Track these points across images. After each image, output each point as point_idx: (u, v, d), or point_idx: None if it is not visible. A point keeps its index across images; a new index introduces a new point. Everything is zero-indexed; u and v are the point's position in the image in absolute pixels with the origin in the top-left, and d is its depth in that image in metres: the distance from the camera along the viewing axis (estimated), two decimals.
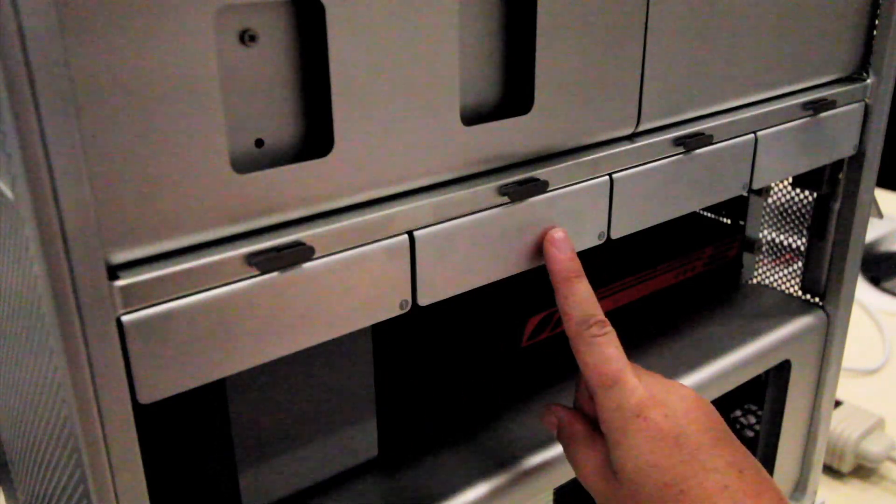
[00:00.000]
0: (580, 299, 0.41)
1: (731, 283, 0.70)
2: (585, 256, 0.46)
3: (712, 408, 0.41)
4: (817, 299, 0.67)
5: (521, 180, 0.41)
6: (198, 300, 0.32)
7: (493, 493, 0.46)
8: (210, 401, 0.42)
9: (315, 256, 0.34)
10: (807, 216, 0.68)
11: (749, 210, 0.69)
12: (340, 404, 0.46)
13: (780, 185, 0.70)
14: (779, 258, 0.71)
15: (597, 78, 0.43)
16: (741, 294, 0.69)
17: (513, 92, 0.41)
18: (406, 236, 0.37)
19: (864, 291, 1.14)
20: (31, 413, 0.38)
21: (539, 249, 0.42)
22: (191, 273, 0.31)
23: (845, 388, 0.94)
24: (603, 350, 0.40)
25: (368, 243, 0.36)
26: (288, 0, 0.33)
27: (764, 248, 0.72)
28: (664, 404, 0.39)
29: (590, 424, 0.43)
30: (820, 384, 0.67)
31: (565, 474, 0.50)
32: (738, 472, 0.38)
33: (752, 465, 0.39)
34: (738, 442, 0.40)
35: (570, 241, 0.41)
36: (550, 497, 0.50)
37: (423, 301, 0.39)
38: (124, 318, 0.30)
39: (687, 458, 0.38)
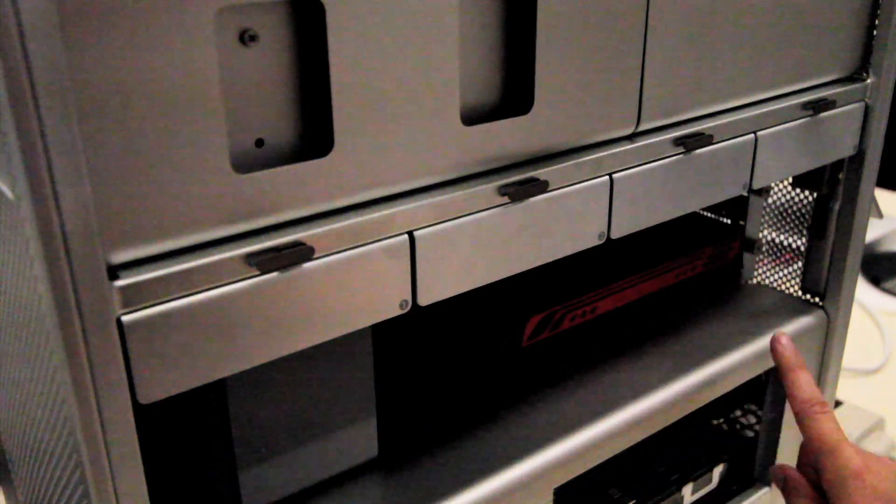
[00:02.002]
0: (805, 384, 0.52)
1: (731, 283, 0.70)
2: (586, 256, 0.46)
3: None
4: (817, 299, 0.67)
5: (521, 180, 0.41)
6: (198, 300, 0.32)
7: (494, 493, 0.46)
8: (210, 401, 0.42)
9: (315, 256, 0.34)
10: (807, 216, 0.68)
11: (749, 210, 0.69)
12: (340, 404, 0.46)
13: (780, 185, 0.70)
14: (779, 258, 0.71)
15: (597, 78, 0.43)
16: (741, 294, 0.69)
17: (513, 92, 0.41)
18: (406, 236, 0.37)
19: (864, 291, 1.14)
20: (31, 413, 0.38)
21: (540, 248, 0.43)
22: (191, 273, 0.31)
23: (845, 388, 0.94)
24: (825, 424, 0.50)
25: (368, 243, 0.36)
26: (288, 0, 0.33)
27: (764, 248, 0.72)
28: (878, 472, 0.48)
29: (811, 485, 0.52)
30: (820, 384, 0.67)
31: (565, 474, 0.50)
32: None
33: None
34: None
35: (791, 341, 0.54)
36: (550, 497, 0.50)
37: (423, 301, 0.39)
38: (124, 318, 0.30)
39: None
